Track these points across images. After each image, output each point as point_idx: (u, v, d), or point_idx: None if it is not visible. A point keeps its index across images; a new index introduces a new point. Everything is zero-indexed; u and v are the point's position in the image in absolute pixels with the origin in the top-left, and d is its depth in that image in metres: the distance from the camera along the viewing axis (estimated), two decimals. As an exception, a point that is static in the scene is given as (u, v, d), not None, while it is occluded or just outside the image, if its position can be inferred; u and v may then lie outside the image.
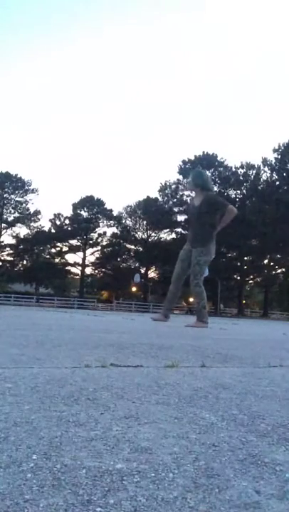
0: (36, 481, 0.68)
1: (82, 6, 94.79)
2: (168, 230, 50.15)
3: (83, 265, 52.42)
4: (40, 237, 49.82)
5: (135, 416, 1.07)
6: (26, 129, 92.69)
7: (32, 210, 51.13)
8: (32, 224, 51.36)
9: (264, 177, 45.52)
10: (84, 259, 52.23)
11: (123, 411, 1.10)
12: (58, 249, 51.98)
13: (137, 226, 52.06)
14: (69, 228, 51.69)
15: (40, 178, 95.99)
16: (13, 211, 51.31)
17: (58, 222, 52.09)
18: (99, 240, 52.79)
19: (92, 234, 52.44)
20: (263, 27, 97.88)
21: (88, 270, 53.61)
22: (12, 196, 51.00)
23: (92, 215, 52.17)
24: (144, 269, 50.40)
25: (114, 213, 52.85)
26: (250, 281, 50.08)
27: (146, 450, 0.84)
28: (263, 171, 45.90)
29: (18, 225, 51.18)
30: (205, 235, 5.40)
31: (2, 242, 50.97)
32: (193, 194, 5.67)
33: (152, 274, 51.91)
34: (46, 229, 51.46)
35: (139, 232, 52.09)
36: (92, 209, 52.16)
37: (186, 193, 48.77)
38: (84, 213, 52.25)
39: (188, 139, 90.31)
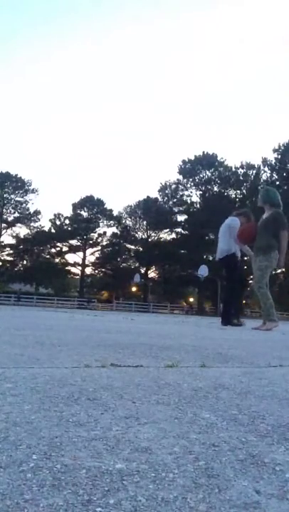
0: (36, 481, 0.68)
1: (83, 6, 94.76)
2: (168, 230, 50.14)
3: (83, 265, 52.40)
4: (40, 237, 49.79)
5: (135, 416, 1.06)
6: (26, 129, 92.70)
7: (32, 210, 51.17)
8: (32, 224, 51.36)
9: (264, 177, 45.50)
10: (84, 259, 52.22)
11: (123, 411, 1.10)
12: (58, 249, 51.96)
13: (137, 226, 52.07)
14: (69, 228, 51.66)
15: (40, 178, 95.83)
16: (13, 211, 51.35)
17: (58, 222, 52.07)
18: (99, 240, 52.78)
19: (92, 234, 52.42)
20: (264, 27, 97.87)
21: (88, 270, 53.62)
22: (12, 196, 51.01)
23: (92, 215, 52.15)
24: (144, 269, 50.36)
25: (114, 213, 52.85)
26: (250, 281, 49.98)
27: (146, 450, 0.84)
28: (263, 171, 45.93)
29: (18, 225, 51.20)
30: (266, 244, 5.68)
31: (2, 242, 50.99)
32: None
33: (152, 274, 51.88)
34: (46, 229, 51.45)
35: (139, 232, 52.10)
36: (92, 209, 52.13)
37: (186, 193, 48.84)
38: (84, 213, 52.25)
39: (188, 139, 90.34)
